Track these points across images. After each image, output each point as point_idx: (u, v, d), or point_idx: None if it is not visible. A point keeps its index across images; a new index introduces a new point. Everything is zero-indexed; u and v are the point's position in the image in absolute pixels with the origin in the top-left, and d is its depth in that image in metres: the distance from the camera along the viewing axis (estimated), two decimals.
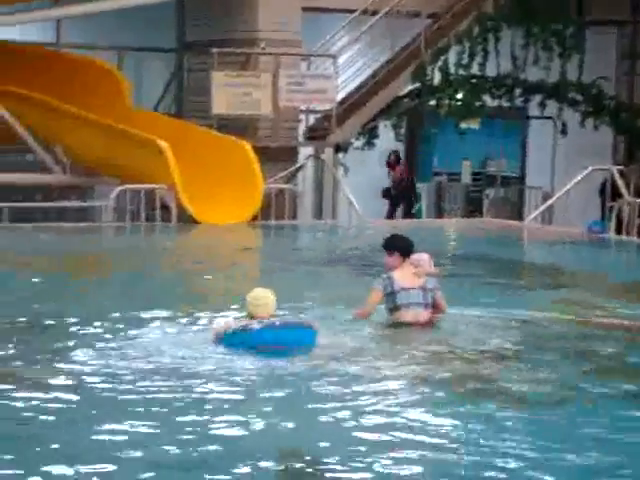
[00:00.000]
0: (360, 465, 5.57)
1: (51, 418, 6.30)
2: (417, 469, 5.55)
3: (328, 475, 5.47)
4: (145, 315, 9.17)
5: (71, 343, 8.15)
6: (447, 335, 8.67)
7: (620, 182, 17.73)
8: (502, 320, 9.29)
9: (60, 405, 6.55)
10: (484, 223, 19.26)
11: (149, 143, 16.98)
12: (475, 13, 20.82)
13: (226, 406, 6.61)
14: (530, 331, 8.99)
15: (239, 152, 17.44)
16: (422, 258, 9.40)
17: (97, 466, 5.44)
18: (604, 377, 7.51)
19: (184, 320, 9.06)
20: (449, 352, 8.08)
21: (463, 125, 21.45)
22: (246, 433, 6.08)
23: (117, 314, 9.18)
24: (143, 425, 6.16)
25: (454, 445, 5.92)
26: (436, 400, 6.83)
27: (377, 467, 5.55)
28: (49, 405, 6.54)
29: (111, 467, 5.44)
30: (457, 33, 20.69)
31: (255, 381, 7.22)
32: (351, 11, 20.61)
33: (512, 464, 5.61)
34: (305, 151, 19.89)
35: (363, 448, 5.82)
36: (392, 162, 21.74)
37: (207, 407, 6.57)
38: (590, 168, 18.09)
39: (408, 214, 21.71)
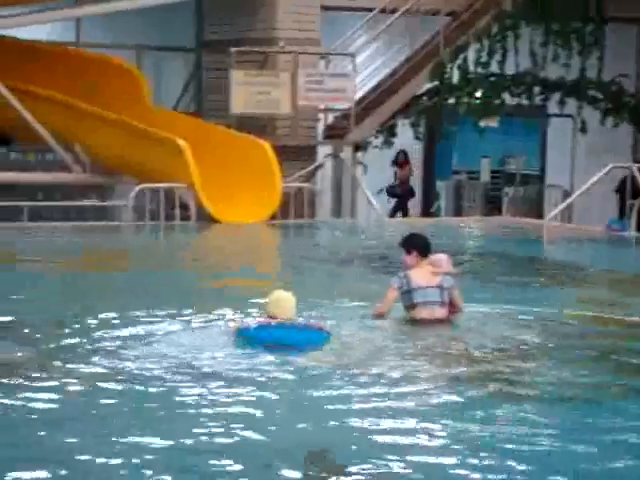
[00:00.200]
0: (379, 466, 5.54)
1: (68, 414, 6.32)
2: (434, 469, 5.52)
3: (348, 477, 5.46)
4: (165, 313, 9.18)
5: (91, 341, 8.17)
6: (465, 333, 8.65)
7: None
8: (522, 318, 9.27)
9: (76, 402, 6.58)
10: (503, 221, 19.22)
11: (168, 142, 17.02)
12: (494, 11, 20.78)
13: (244, 405, 6.60)
14: (551, 329, 8.95)
15: (259, 152, 17.46)
16: (441, 258, 9.38)
17: (115, 463, 5.46)
18: (631, 375, 7.45)
19: (203, 319, 9.07)
20: (468, 350, 8.05)
21: (482, 123, 21.41)
22: (264, 433, 6.06)
23: (137, 312, 9.20)
24: (160, 424, 6.17)
25: (475, 444, 5.88)
26: (457, 399, 6.78)
27: (396, 468, 5.53)
28: (66, 402, 6.56)
29: (128, 468, 5.45)
30: (476, 31, 20.65)
31: (272, 380, 7.20)
32: (370, 9, 20.61)
33: (536, 465, 5.56)
34: (324, 150, 19.90)
35: (383, 449, 5.78)
36: (400, 161, 21.82)
37: (226, 407, 6.56)
38: (610, 166, 18.02)
39: (404, 213, 21.76)
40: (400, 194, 21.69)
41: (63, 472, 5.36)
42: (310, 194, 18.63)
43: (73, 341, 8.18)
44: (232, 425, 6.13)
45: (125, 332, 8.49)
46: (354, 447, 5.83)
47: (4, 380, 6.97)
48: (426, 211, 22.71)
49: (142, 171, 17.36)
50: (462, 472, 5.47)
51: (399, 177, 21.91)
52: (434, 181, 23.35)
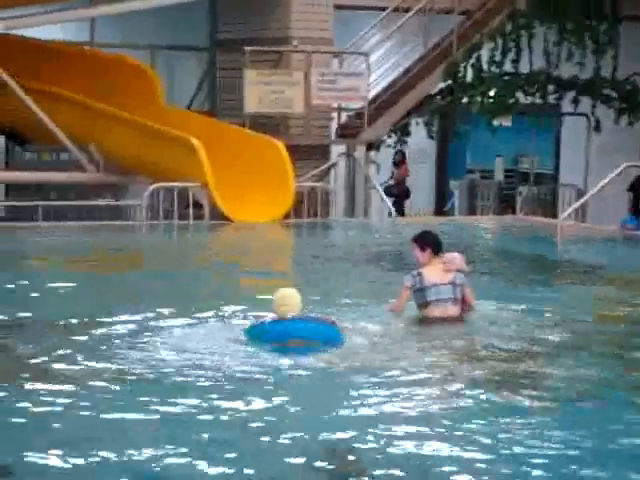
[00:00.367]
0: (395, 459, 5.56)
1: (84, 412, 6.35)
2: (450, 467, 5.53)
3: (362, 470, 5.47)
4: (178, 311, 9.21)
5: (104, 339, 8.20)
6: (479, 331, 8.66)
7: None
8: (536, 316, 9.27)
9: (91, 399, 6.60)
10: (517, 220, 19.20)
11: (182, 141, 17.05)
12: (508, 10, 20.74)
13: (258, 402, 6.62)
14: (565, 327, 8.94)
15: (272, 151, 17.48)
16: (454, 257, 9.38)
17: (133, 460, 5.48)
18: None
19: (217, 317, 9.09)
20: (482, 348, 8.06)
21: (495, 122, 21.38)
22: (278, 428, 6.08)
23: (151, 311, 9.22)
24: (173, 421, 6.19)
25: (489, 442, 5.88)
26: (471, 396, 6.79)
27: (413, 462, 5.55)
28: (81, 399, 6.59)
29: (143, 465, 5.47)
30: (490, 30, 20.61)
31: (286, 377, 7.23)
32: (383, 9, 20.61)
33: (550, 463, 5.56)
34: (337, 149, 19.89)
35: (397, 445, 5.80)
36: (398, 161, 21.81)
37: (241, 403, 6.58)
38: (624, 165, 17.97)
39: (401, 213, 21.71)
40: (397, 194, 21.64)
41: (64, 472, 5.39)
42: (323, 193, 18.63)
43: (86, 339, 8.21)
44: (246, 426, 6.14)
45: (138, 331, 8.52)
46: (369, 441, 5.84)
47: (10, 380, 6.99)
48: (439, 210, 22.69)
49: (156, 170, 17.39)
50: (477, 465, 5.49)
51: (395, 177, 21.89)
52: (447, 180, 23.33)
